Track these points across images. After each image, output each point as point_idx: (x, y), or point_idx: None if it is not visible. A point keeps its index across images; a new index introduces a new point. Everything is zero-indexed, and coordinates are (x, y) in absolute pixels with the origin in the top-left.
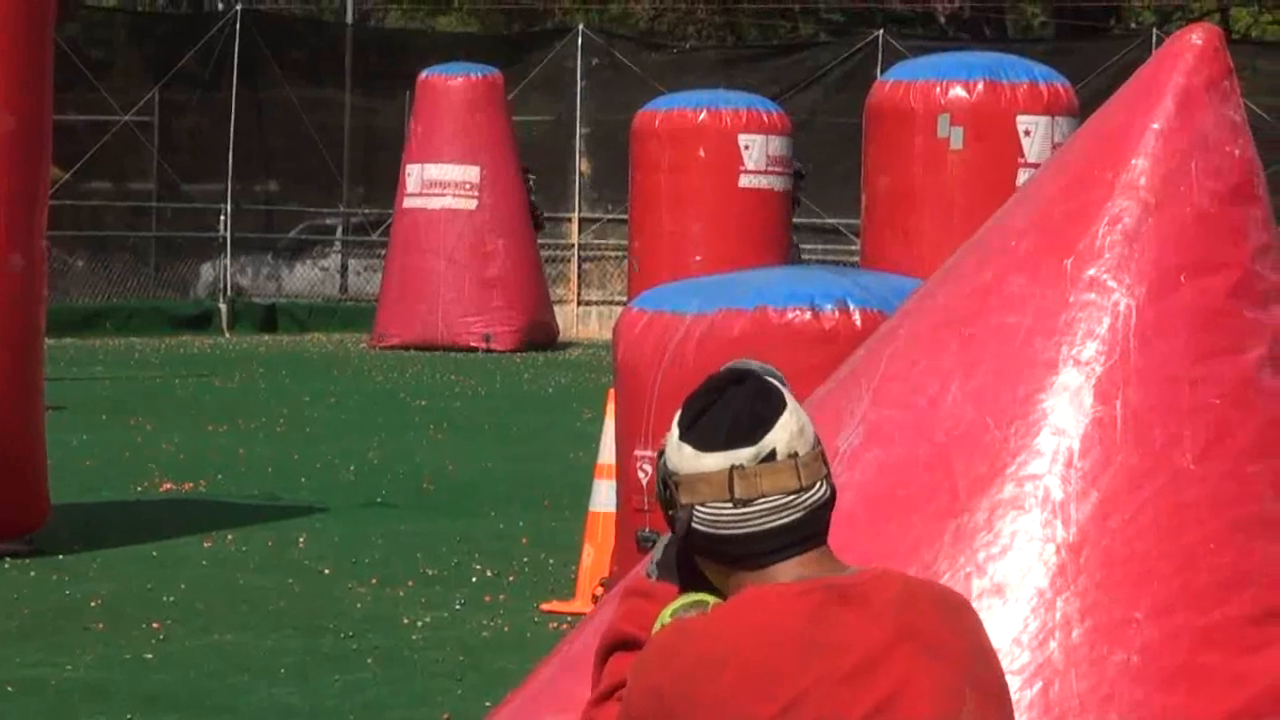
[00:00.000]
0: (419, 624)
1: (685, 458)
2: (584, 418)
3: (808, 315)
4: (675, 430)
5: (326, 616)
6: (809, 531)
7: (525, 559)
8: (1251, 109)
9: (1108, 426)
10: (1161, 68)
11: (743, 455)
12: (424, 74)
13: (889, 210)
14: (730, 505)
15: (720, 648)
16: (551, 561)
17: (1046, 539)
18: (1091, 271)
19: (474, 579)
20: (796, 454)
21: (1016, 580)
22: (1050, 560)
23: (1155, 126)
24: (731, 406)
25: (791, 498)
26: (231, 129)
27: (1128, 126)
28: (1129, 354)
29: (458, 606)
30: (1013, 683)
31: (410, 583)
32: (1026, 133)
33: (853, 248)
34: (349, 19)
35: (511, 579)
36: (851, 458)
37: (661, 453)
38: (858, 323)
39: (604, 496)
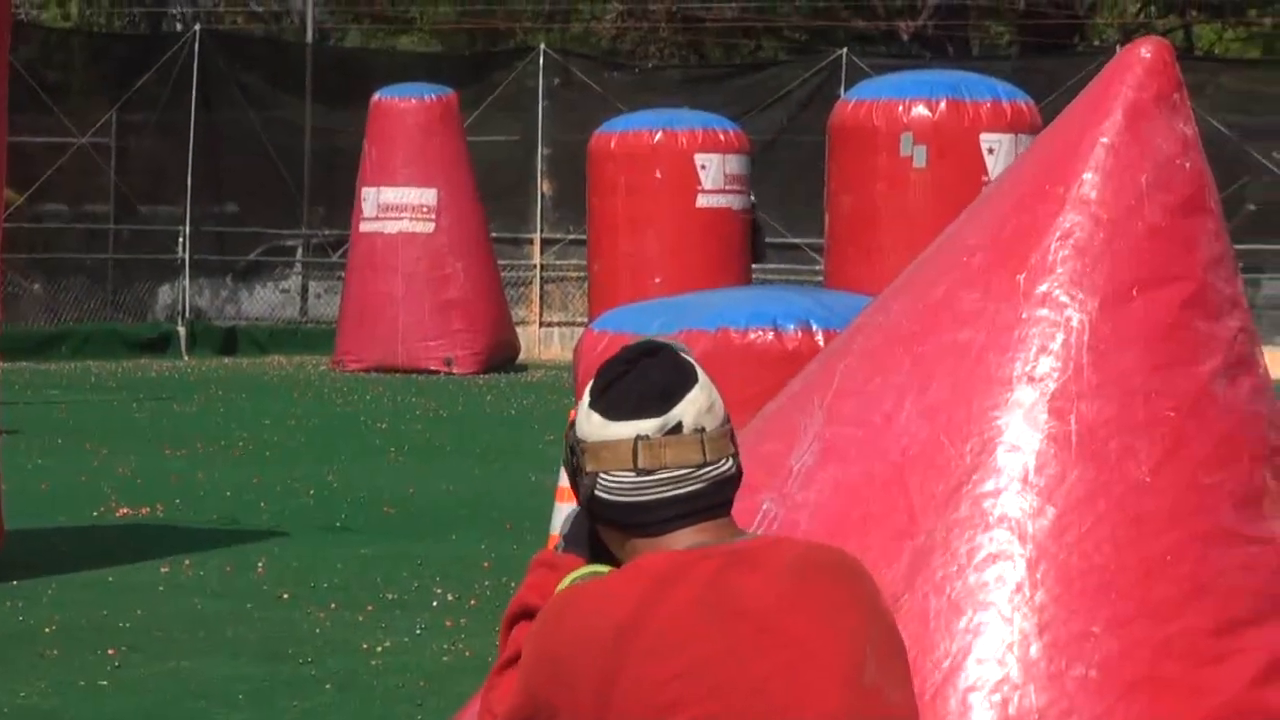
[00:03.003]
0: (379, 649)
1: (593, 425)
2: (546, 440)
3: (770, 336)
4: (586, 397)
5: (285, 642)
6: (709, 502)
7: (487, 583)
8: (1215, 126)
9: (1063, 442)
10: (1111, 82)
11: (648, 426)
12: (376, 96)
13: (852, 229)
14: (633, 474)
15: (612, 612)
16: (513, 585)
17: (1004, 556)
18: (1044, 287)
19: (435, 603)
20: (703, 429)
21: (974, 598)
22: (1008, 577)
23: (1105, 140)
24: (642, 377)
25: (693, 469)
26: (190, 150)
27: (1077, 141)
28: (1083, 368)
29: (419, 631)
30: (972, 699)
31: (370, 607)
32: (990, 151)
33: (816, 267)
34: (309, 39)
35: (473, 603)
36: (806, 477)
37: (572, 422)
38: (821, 343)
39: (563, 519)
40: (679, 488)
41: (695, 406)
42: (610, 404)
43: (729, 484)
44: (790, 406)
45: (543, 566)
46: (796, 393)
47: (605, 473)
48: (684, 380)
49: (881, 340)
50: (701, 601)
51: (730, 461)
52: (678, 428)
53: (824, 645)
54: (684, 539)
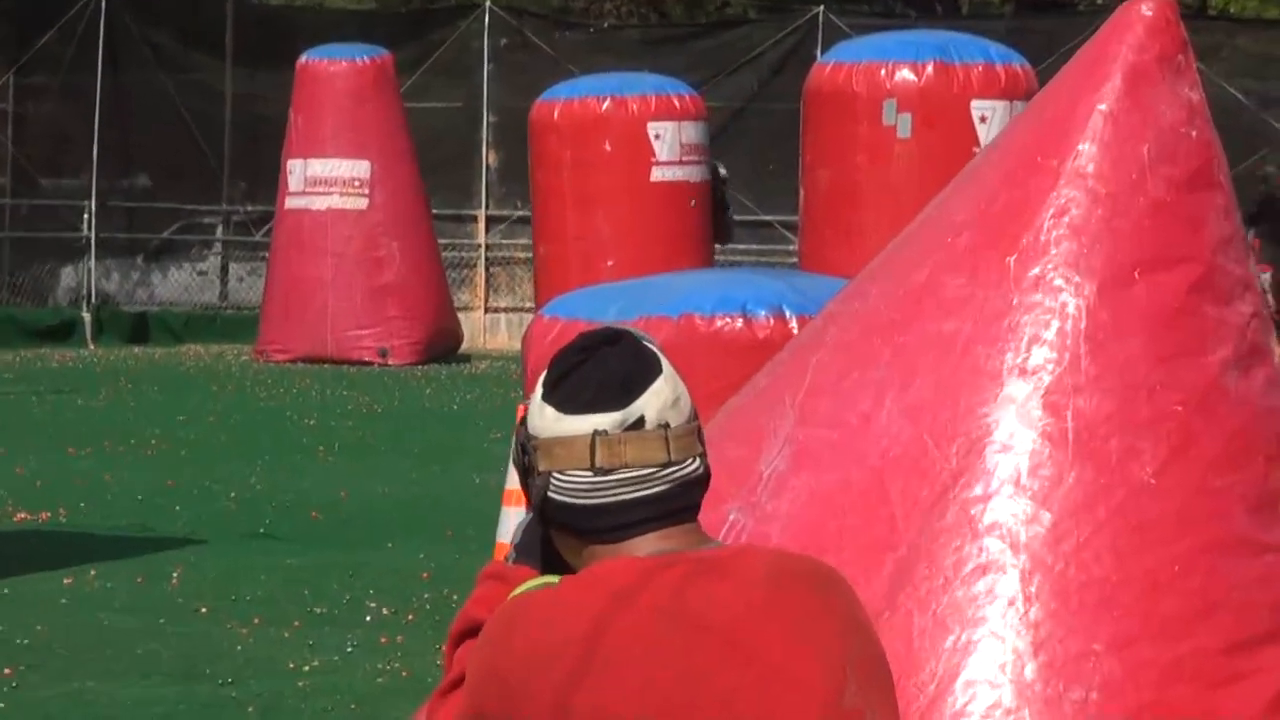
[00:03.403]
0: (306, 669)
1: (546, 420)
2: (492, 438)
3: (739, 323)
4: (539, 390)
5: (202, 661)
6: (674, 505)
7: (426, 595)
8: (1230, 93)
9: (1058, 441)
10: (1108, 42)
11: (607, 420)
12: (303, 58)
13: (830, 206)
14: (590, 474)
15: (565, 626)
16: (455, 598)
17: (995, 568)
18: (1036, 270)
19: (368, 618)
20: (668, 425)
21: (963, 614)
22: (999, 591)
23: (1103, 108)
24: (600, 368)
25: (656, 469)
26: (96, 118)
27: (1072, 108)
28: (1080, 360)
29: (350, 649)
30: None
31: (297, 623)
32: (982, 119)
33: (790, 247)
34: None
35: (410, 618)
36: (777, 484)
37: (524, 418)
38: (795, 331)
39: (513, 526)
40: (641, 489)
41: (659, 399)
42: (565, 396)
43: (696, 486)
44: (757, 405)
45: (491, 579)
46: (764, 389)
47: (559, 472)
48: (646, 370)
49: (858, 330)
50: (664, 612)
51: (698, 462)
52: (639, 423)
53: (799, 662)
54: (646, 546)
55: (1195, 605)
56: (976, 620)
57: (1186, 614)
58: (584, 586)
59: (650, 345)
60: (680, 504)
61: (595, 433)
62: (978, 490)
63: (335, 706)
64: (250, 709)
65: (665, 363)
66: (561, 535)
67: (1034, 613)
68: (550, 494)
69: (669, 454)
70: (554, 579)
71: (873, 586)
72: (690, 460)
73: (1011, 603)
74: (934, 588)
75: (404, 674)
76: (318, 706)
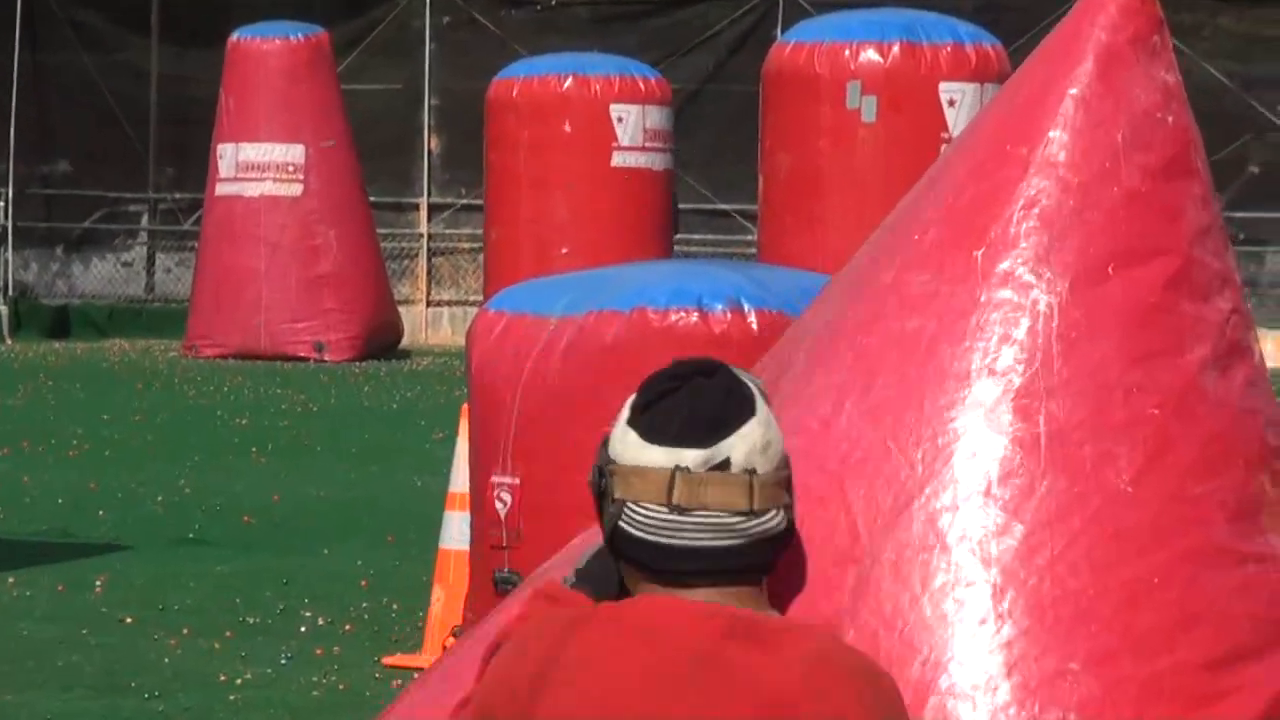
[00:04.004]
0: (238, 682)
1: (628, 445)
2: (434, 438)
3: (694, 318)
4: (625, 412)
5: (128, 673)
6: (747, 562)
7: (364, 604)
8: (1212, 75)
9: (1030, 447)
10: (1080, 23)
11: (691, 456)
12: (234, 36)
13: (790, 194)
14: (665, 510)
15: (592, 651)
16: (395, 607)
17: (964, 582)
18: (1005, 265)
19: (303, 628)
20: (754, 470)
21: (930, 633)
22: (969, 607)
23: (1074, 92)
24: (692, 399)
25: (737, 519)
26: (13, 99)
27: (1043, 93)
28: (1052, 360)
29: (284, 661)
30: None
31: (228, 633)
32: (951, 103)
33: (749, 238)
34: None
35: (348, 628)
36: None
37: (606, 438)
38: (753, 326)
39: (456, 531)
40: (715, 539)
41: (748, 443)
42: (650, 424)
43: (774, 543)
44: None
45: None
46: None
47: (634, 503)
48: (740, 409)
49: (823, 333)
50: (695, 662)
51: (781, 515)
52: (725, 464)
53: None
54: (700, 595)
55: (1174, 618)
56: (946, 639)
57: (1166, 628)
58: (617, 617)
59: (749, 383)
60: (751, 561)
61: (676, 468)
62: (945, 500)
63: None
64: None
65: (761, 404)
66: (628, 568)
67: (1006, 630)
68: (622, 524)
69: (752, 502)
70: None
71: (833, 601)
72: (773, 512)
73: (982, 620)
74: (900, 605)
75: (341, 687)
76: None
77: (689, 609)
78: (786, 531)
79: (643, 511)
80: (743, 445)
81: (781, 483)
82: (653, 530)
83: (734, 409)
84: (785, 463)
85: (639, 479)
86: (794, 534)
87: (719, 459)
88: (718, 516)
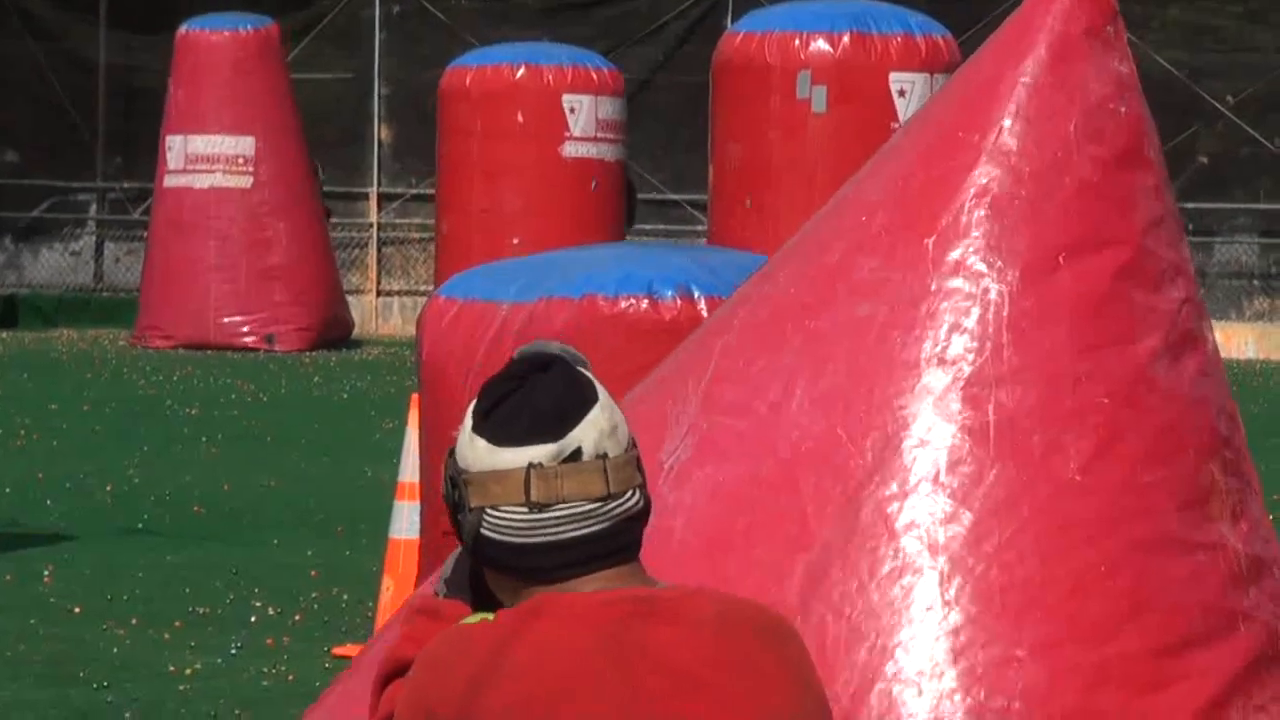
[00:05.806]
0: (187, 672)
1: (478, 453)
2: (384, 428)
3: (644, 304)
4: (468, 421)
5: (76, 663)
6: (616, 544)
7: (314, 595)
8: (1161, 65)
9: (979, 435)
10: (1034, 12)
11: (543, 452)
12: (183, 27)
13: (741, 184)
14: (525, 509)
15: (503, 662)
16: (345, 598)
17: (912, 569)
18: (956, 253)
19: (253, 619)
20: (606, 455)
21: (878, 620)
22: (917, 594)
23: (1026, 81)
24: (533, 396)
25: (596, 505)
26: None
27: (995, 81)
28: (1002, 349)
29: (234, 651)
30: None
31: (177, 623)
32: (901, 93)
33: (699, 228)
34: None
35: (298, 619)
36: (679, 476)
37: (452, 450)
38: (704, 312)
39: (406, 521)
40: (580, 528)
41: (596, 429)
42: (497, 428)
43: (636, 521)
44: (660, 392)
45: (422, 615)
46: (668, 376)
47: (493, 508)
48: (582, 399)
49: (767, 314)
50: (606, 653)
51: (637, 494)
52: (576, 454)
53: (743, 712)
54: (589, 585)
55: (1123, 607)
56: (893, 626)
57: (1114, 616)
58: (519, 624)
59: (584, 371)
60: (621, 542)
61: (530, 466)
62: (894, 487)
63: (218, 712)
64: (127, 715)
65: (600, 389)
66: (496, 576)
67: (953, 617)
68: (484, 531)
69: (608, 486)
70: (490, 615)
71: (784, 589)
72: (630, 493)
73: (930, 607)
74: (848, 591)
75: (290, 678)
76: (199, 712)
77: (583, 601)
78: (645, 508)
79: (503, 515)
80: (591, 432)
81: (633, 462)
82: (516, 532)
83: (576, 399)
84: (633, 443)
85: (495, 483)
86: (651, 509)
87: (570, 450)
88: (577, 506)
